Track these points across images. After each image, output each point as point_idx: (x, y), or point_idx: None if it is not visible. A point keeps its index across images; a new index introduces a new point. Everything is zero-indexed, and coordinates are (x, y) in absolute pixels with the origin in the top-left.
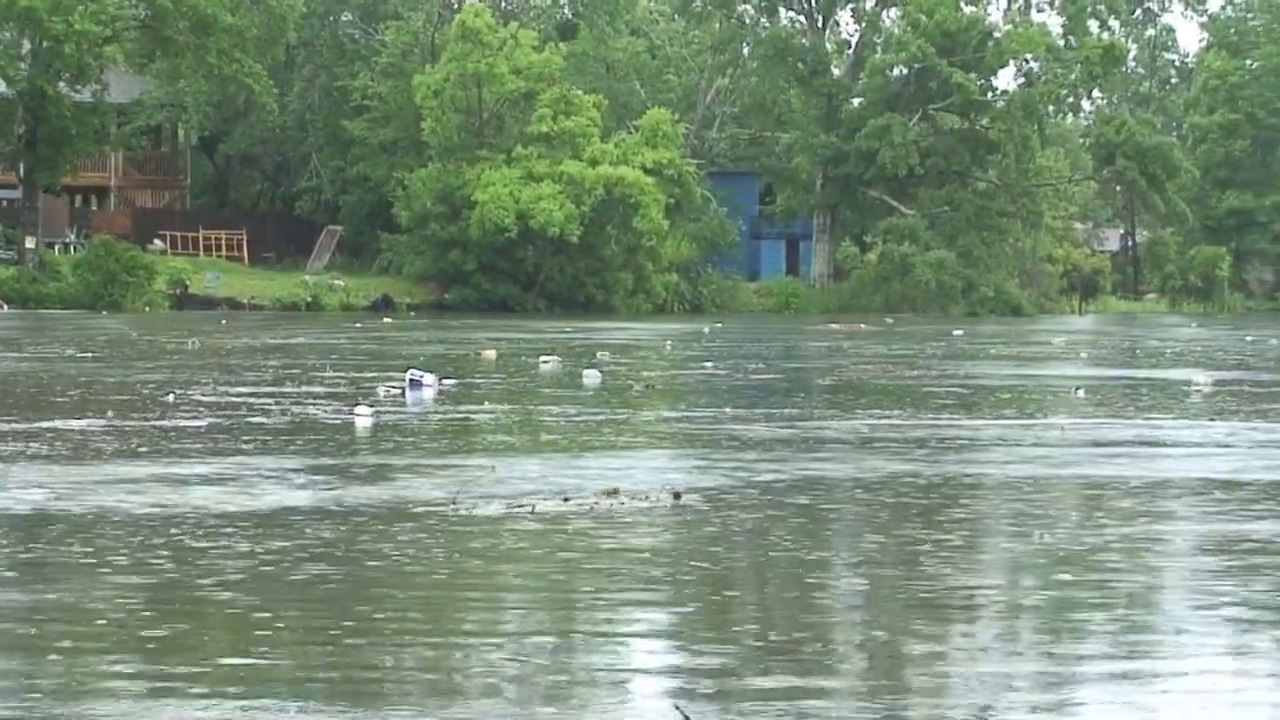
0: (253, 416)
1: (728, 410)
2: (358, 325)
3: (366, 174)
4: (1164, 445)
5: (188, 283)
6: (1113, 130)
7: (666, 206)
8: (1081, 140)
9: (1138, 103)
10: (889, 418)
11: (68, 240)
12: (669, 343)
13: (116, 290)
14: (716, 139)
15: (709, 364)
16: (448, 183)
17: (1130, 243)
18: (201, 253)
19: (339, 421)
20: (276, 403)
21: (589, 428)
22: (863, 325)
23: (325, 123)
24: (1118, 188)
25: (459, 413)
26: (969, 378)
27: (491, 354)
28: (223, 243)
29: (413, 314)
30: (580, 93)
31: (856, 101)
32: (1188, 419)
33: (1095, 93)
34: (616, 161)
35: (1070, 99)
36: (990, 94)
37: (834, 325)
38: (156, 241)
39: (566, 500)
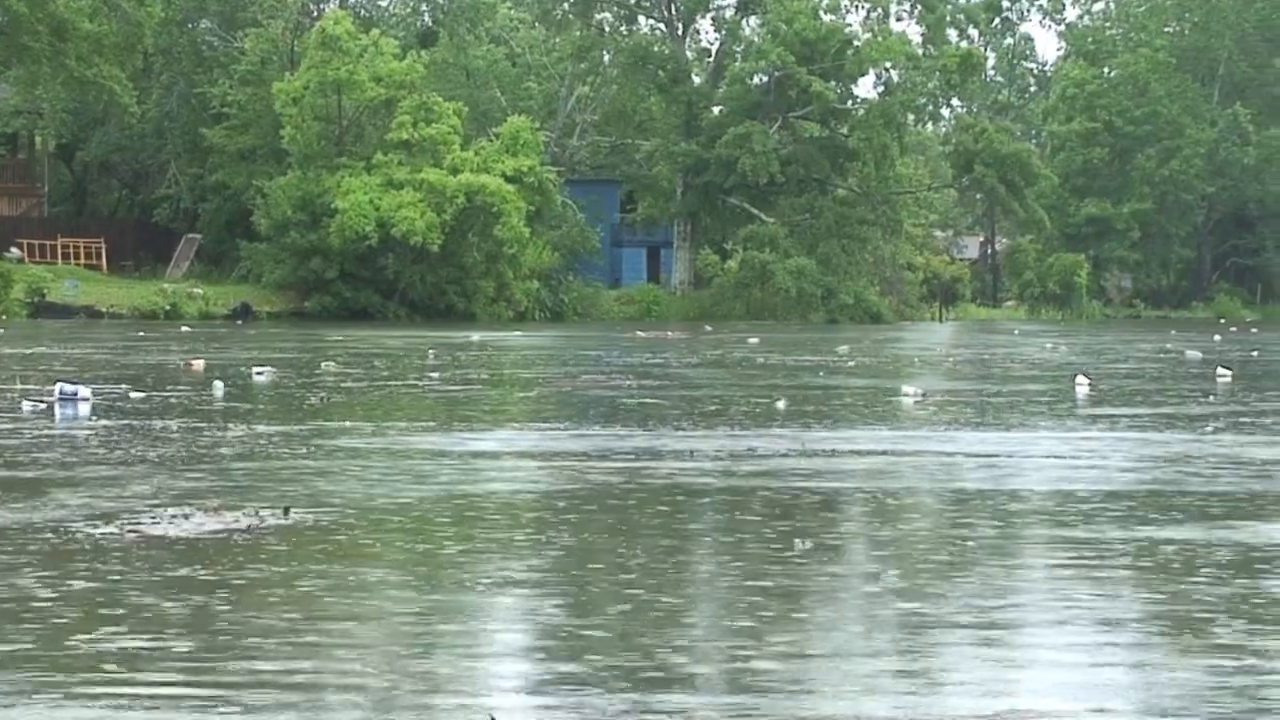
0: None
1: (339, 423)
2: (140, 334)
3: (225, 182)
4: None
5: (46, 291)
6: (971, 138)
7: (527, 214)
8: (941, 148)
9: (997, 111)
10: (541, 429)
11: None
12: (432, 351)
13: None
14: (577, 146)
15: (435, 374)
16: (307, 190)
17: (990, 250)
18: (60, 261)
19: None
20: None
21: (208, 443)
22: (670, 332)
23: (184, 130)
24: (977, 195)
25: (59, 429)
26: (698, 386)
27: (199, 365)
28: (81, 251)
29: (239, 322)
30: (440, 100)
31: (717, 109)
32: (870, 428)
33: (954, 101)
34: (477, 169)
35: (929, 107)
36: (850, 102)
37: (640, 332)
38: (13, 249)
39: (187, 516)
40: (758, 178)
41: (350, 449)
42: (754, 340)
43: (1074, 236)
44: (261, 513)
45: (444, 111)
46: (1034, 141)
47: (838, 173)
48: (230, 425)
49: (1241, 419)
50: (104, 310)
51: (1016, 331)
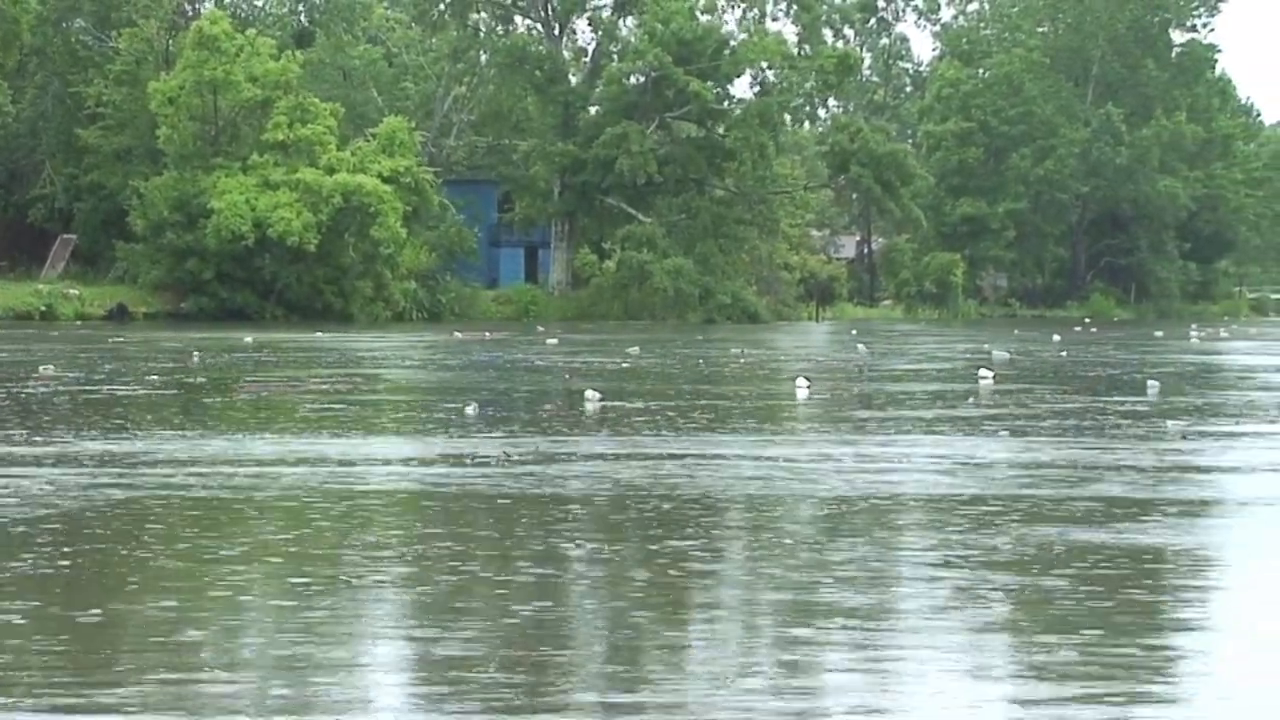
0: None
1: None
2: None
3: (101, 182)
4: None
5: None
6: (847, 138)
7: (404, 214)
8: (817, 148)
9: (872, 111)
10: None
11: None
12: (197, 354)
13: None
14: (454, 147)
15: (155, 377)
16: (184, 191)
17: (866, 250)
18: None
19: None
20: None
21: None
22: (487, 334)
23: (58, 130)
24: (853, 195)
25: None
26: (416, 391)
27: None
28: None
29: (79, 323)
30: (317, 100)
31: (594, 110)
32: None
33: (830, 101)
34: (354, 169)
35: (806, 107)
36: (727, 102)
37: (458, 334)
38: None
39: None
40: (635, 178)
41: None
42: (552, 341)
43: (950, 236)
44: None
45: (320, 112)
46: (910, 141)
47: (715, 173)
48: None
49: (935, 422)
50: None
51: (854, 331)
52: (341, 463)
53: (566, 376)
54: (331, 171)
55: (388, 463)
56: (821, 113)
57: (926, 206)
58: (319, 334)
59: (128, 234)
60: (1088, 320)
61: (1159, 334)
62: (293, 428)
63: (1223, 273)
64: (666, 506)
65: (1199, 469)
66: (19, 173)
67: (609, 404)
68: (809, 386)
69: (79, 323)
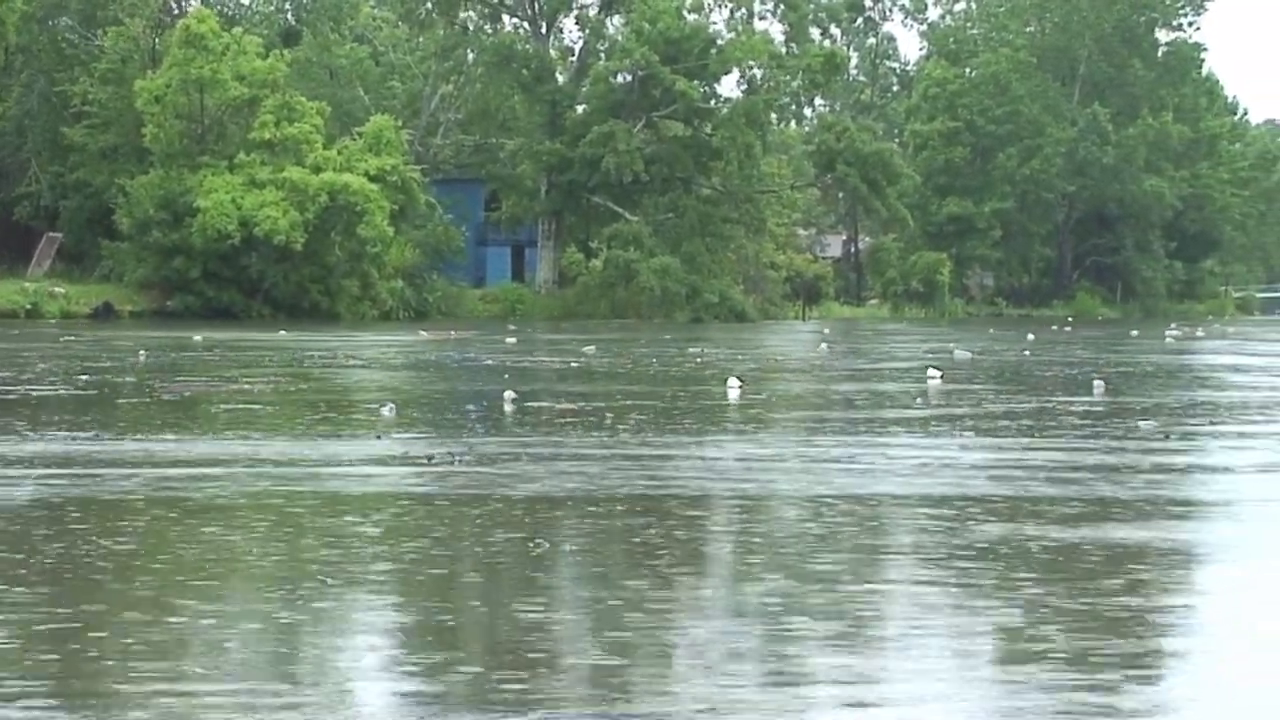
0: None
1: None
2: None
3: (87, 180)
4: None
5: None
6: (834, 137)
7: (391, 213)
8: (803, 147)
9: (859, 110)
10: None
11: None
12: (143, 352)
13: None
14: (441, 145)
15: (85, 376)
16: (170, 189)
17: (853, 249)
18: None
19: None
20: None
21: None
22: (453, 333)
23: (44, 128)
24: (840, 194)
25: None
26: (340, 391)
27: None
28: None
29: (54, 321)
30: (303, 99)
31: (581, 108)
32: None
33: (817, 100)
34: (340, 168)
35: (792, 106)
36: (714, 101)
37: (423, 333)
38: None
39: None
40: (622, 176)
41: None
42: (511, 340)
43: (936, 235)
44: None
45: (307, 110)
46: (896, 141)
47: (701, 171)
48: None
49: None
50: None
51: (826, 330)
52: (229, 463)
53: (505, 376)
54: (318, 170)
55: (275, 464)
56: (808, 112)
57: (913, 206)
58: (281, 333)
59: (114, 232)
60: (1070, 319)
61: (1134, 333)
62: (195, 428)
63: (1208, 272)
64: (587, 507)
65: (1152, 469)
66: (4, 171)
67: (531, 405)
68: (741, 387)
69: (54, 321)
